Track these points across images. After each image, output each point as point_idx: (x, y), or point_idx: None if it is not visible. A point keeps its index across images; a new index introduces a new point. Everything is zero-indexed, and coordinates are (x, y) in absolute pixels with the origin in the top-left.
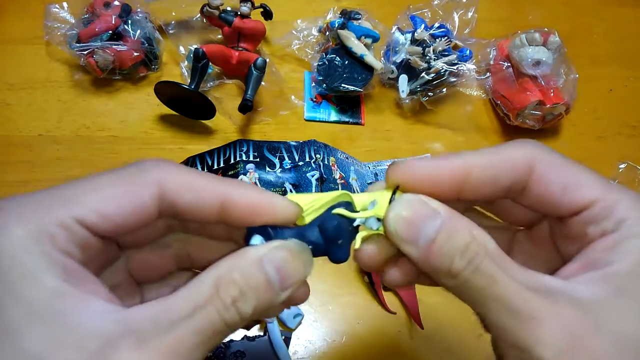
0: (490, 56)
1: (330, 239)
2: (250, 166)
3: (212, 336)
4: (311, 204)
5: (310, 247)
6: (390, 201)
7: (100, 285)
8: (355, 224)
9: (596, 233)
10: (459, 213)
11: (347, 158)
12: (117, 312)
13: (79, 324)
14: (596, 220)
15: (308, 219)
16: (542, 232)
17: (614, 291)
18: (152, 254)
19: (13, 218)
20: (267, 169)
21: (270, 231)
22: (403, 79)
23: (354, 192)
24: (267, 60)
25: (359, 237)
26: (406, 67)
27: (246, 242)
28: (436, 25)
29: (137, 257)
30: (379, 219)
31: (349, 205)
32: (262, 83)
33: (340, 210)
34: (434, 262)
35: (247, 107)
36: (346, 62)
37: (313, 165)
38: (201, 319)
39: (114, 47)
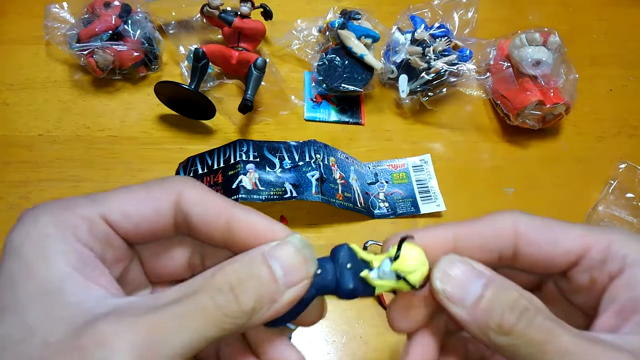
0: (490, 56)
1: (339, 260)
2: (250, 166)
3: (205, 322)
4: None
5: (319, 272)
6: (399, 248)
7: (109, 278)
8: (371, 274)
9: (604, 277)
10: (501, 276)
11: (347, 158)
12: (113, 298)
13: (74, 304)
14: (597, 265)
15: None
16: (551, 292)
17: None
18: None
19: (44, 211)
20: (267, 169)
21: None
22: (403, 79)
23: (354, 192)
24: (267, 60)
25: (377, 284)
26: (406, 67)
27: None
28: (436, 25)
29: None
30: (396, 273)
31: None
32: (262, 83)
33: (352, 245)
34: (481, 319)
35: (247, 107)
36: (346, 62)
37: (313, 165)
38: (189, 302)
39: (114, 47)
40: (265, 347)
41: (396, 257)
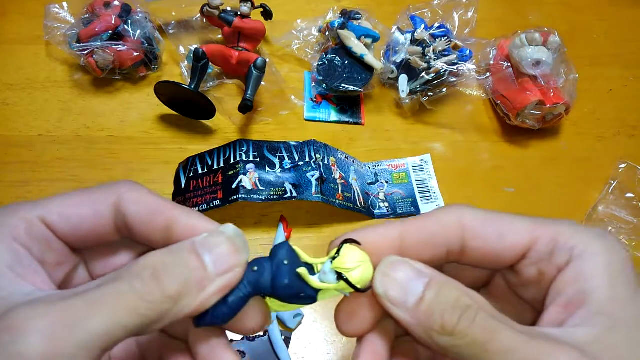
0: (490, 56)
1: (276, 257)
2: (250, 166)
3: (120, 307)
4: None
5: (256, 269)
6: (339, 249)
7: (44, 278)
8: (314, 279)
9: (551, 270)
10: (443, 274)
11: (347, 158)
12: (40, 292)
13: (1, 298)
14: (545, 257)
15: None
16: (500, 288)
17: (605, 325)
18: None
19: None
20: (267, 169)
21: None
22: (403, 79)
23: (354, 192)
24: (267, 60)
25: (320, 285)
26: (406, 67)
27: None
28: (436, 25)
29: None
30: (337, 273)
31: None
32: (262, 83)
33: (294, 247)
34: (424, 321)
35: (247, 107)
36: (346, 62)
37: (313, 165)
38: (105, 289)
39: (114, 47)
40: (202, 348)
41: (335, 257)
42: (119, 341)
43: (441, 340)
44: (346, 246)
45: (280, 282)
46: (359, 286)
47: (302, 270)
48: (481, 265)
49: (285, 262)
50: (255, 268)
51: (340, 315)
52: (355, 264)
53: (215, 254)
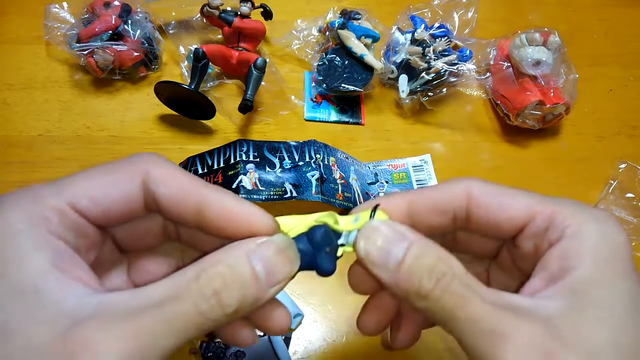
0: (490, 56)
1: (318, 245)
2: (250, 166)
3: (187, 327)
4: (297, 224)
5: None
6: (371, 216)
7: (88, 271)
8: (340, 241)
9: (545, 246)
10: (426, 238)
11: (347, 158)
12: (94, 295)
13: (54, 303)
14: (540, 233)
15: (292, 234)
16: (506, 259)
17: (577, 302)
18: (151, 261)
19: (11, 204)
20: (267, 169)
21: None
22: (403, 79)
23: (354, 192)
24: (267, 60)
25: (342, 249)
26: (406, 67)
27: None
28: (436, 25)
29: (137, 263)
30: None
31: (334, 224)
32: (262, 83)
33: (325, 218)
34: (403, 284)
35: (247, 107)
36: (346, 62)
37: (313, 165)
38: (173, 308)
39: (114, 47)
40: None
41: (359, 221)
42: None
43: (417, 303)
44: (378, 213)
45: (326, 269)
46: None
47: (341, 253)
48: (485, 233)
49: (328, 250)
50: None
51: (353, 276)
52: None
53: (268, 266)
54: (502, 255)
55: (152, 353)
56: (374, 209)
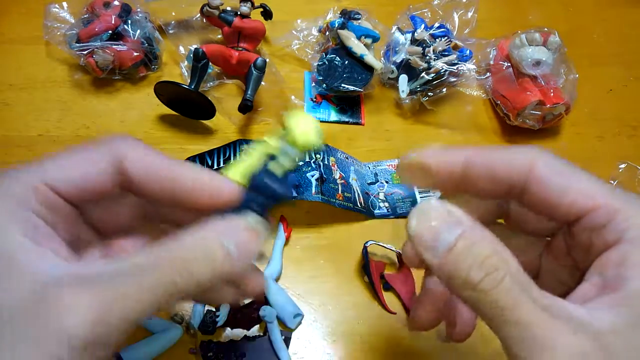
0: (490, 56)
1: (265, 188)
2: None
3: (158, 295)
4: (247, 169)
5: (261, 208)
6: (285, 124)
7: (62, 245)
8: (282, 162)
9: (600, 243)
10: (483, 227)
11: (347, 158)
12: (69, 265)
13: (27, 268)
14: (598, 228)
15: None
16: (560, 246)
17: (631, 318)
18: (129, 243)
19: None
20: None
21: None
22: (403, 79)
23: (354, 192)
24: (267, 60)
25: (286, 164)
26: (406, 67)
27: None
28: (436, 25)
29: (115, 245)
30: (289, 144)
31: (272, 156)
32: (262, 83)
33: (259, 153)
34: (450, 269)
35: (247, 107)
36: (346, 62)
37: (313, 165)
38: (145, 276)
39: (114, 47)
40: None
41: (288, 133)
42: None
43: (463, 292)
44: (290, 121)
45: (283, 198)
46: (318, 144)
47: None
48: (538, 212)
49: (275, 186)
50: (255, 205)
51: (405, 252)
52: (307, 126)
53: (239, 244)
54: (557, 240)
55: (121, 316)
56: (286, 118)
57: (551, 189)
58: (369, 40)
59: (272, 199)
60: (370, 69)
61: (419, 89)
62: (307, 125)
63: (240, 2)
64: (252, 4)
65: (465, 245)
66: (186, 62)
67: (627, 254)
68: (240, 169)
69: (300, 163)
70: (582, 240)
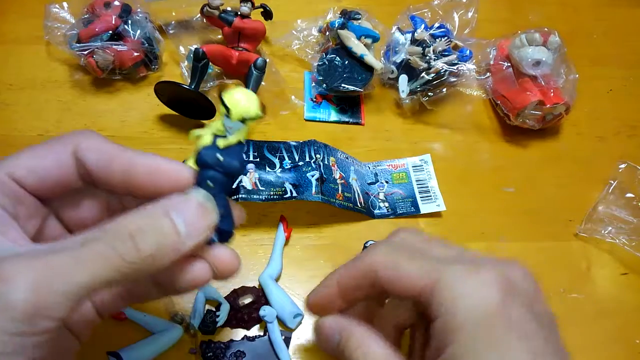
0: (490, 56)
1: (212, 164)
2: (250, 166)
3: (102, 266)
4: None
5: (215, 185)
6: (223, 102)
7: (19, 232)
8: (231, 138)
9: (432, 317)
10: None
11: (347, 158)
12: (16, 246)
13: None
14: (427, 305)
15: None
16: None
17: None
18: None
19: None
20: (267, 169)
21: None
22: (403, 79)
23: (354, 192)
24: (267, 60)
25: (235, 137)
26: (406, 67)
27: None
28: (436, 25)
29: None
30: (230, 120)
31: (219, 135)
32: (262, 83)
33: (205, 137)
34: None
35: None
36: (346, 62)
37: (313, 165)
38: (88, 247)
39: (114, 47)
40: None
41: (228, 110)
42: (99, 290)
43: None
44: (225, 97)
45: (234, 171)
46: (256, 112)
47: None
48: (399, 298)
49: (221, 159)
50: (209, 182)
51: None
52: (246, 100)
53: (188, 219)
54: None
55: (63, 287)
56: (220, 97)
57: (393, 280)
58: (369, 41)
59: (222, 172)
60: (370, 69)
61: (419, 89)
62: (242, 97)
63: (240, 2)
64: (252, 4)
65: (344, 343)
66: (186, 62)
67: (444, 323)
68: (194, 155)
69: (245, 135)
70: (428, 316)
